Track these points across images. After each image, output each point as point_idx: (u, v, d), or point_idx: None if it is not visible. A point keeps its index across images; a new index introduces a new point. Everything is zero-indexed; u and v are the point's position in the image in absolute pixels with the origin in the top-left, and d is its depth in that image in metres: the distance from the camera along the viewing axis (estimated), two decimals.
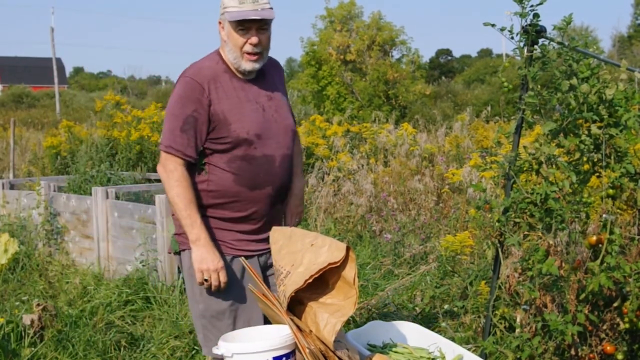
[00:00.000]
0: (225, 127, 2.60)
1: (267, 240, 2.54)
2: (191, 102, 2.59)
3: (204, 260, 2.55)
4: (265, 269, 2.74)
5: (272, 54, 2.77)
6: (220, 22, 2.67)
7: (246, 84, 2.68)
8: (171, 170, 2.60)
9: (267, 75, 2.76)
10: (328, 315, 1.96)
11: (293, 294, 1.98)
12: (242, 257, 2.50)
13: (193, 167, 2.66)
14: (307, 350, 1.88)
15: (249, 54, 2.59)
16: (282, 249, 2.17)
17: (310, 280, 1.97)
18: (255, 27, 2.57)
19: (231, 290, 2.64)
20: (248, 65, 2.61)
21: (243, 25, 2.56)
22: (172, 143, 2.60)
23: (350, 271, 2.01)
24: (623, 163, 2.79)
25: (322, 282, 2.06)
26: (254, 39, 2.57)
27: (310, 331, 1.99)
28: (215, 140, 2.62)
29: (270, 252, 2.37)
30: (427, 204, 7.51)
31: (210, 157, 2.65)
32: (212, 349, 2.59)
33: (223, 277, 2.57)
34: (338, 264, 2.00)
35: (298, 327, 1.98)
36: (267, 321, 2.49)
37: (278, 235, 2.27)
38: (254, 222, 2.69)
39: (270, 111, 2.69)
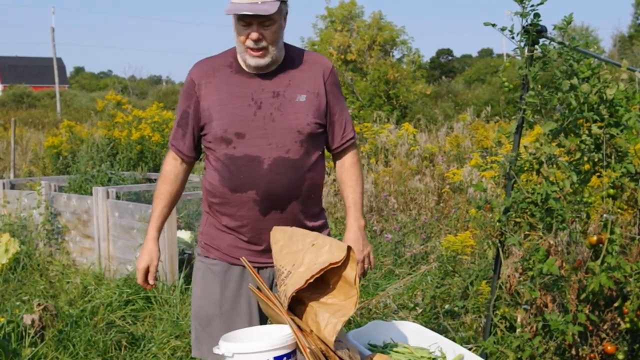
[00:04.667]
0: (209, 123, 2.53)
1: (268, 253, 2.43)
2: (186, 97, 2.60)
3: (139, 257, 2.67)
4: (271, 284, 2.58)
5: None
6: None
7: (250, 79, 2.52)
8: (164, 162, 2.70)
9: (289, 70, 2.55)
10: (329, 315, 1.96)
11: (294, 294, 1.98)
12: (243, 257, 2.39)
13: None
14: (308, 350, 1.88)
15: (251, 49, 2.43)
16: (283, 248, 2.16)
17: (311, 280, 1.97)
18: (256, 21, 2.39)
19: (224, 298, 2.58)
20: (252, 60, 2.45)
21: (243, 20, 2.40)
22: (170, 138, 2.67)
23: (351, 271, 2.01)
24: (624, 163, 2.79)
25: (322, 282, 2.06)
26: (254, 35, 2.40)
27: (311, 331, 1.99)
28: (203, 137, 2.59)
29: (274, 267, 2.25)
30: (427, 204, 7.52)
31: (206, 155, 2.63)
32: (202, 352, 2.60)
33: (140, 278, 2.65)
34: (339, 263, 2.00)
35: (299, 326, 1.98)
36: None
37: (279, 235, 2.26)
38: (246, 230, 2.55)
39: (269, 109, 2.49)
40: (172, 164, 2.66)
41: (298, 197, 2.56)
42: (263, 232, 2.49)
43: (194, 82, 2.56)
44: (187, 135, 2.60)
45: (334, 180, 7.90)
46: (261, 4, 2.35)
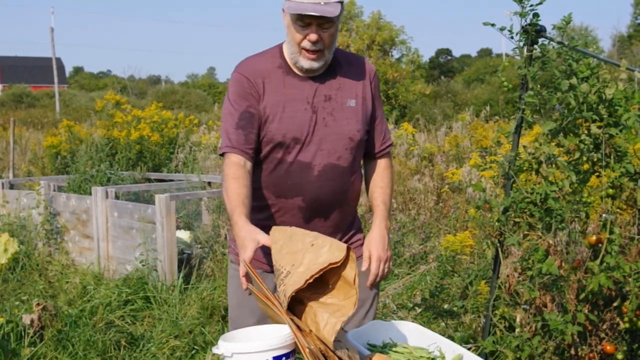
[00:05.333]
0: (265, 125, 2.40)
1: None
2: (243, 97, 2.41)
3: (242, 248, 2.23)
4: None
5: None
6: (283, 10, 2.36)
7: (302, 81, 2.42)
8: (225, 167, 2.38)
9: (339, 74, 2.46)
10: (328, 315, 1.95)
11: (293, 294, 1.98)
12: (244, 259, 2.22)
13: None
14: (307, 350, 1.88)
15: (307, 50, 2.34)
16: (283, 248, 2.15)
17: (311, 280, 1.97)
18: (316, 22, 2.29)
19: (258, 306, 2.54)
20: (305, 62, 2.36)
21: (302, 20, 2.29)
22: (228, 142, 2.40)
23: (350, 271, 2.01)
24: (623, 163, 2.79)
25: (322, 282, 2.06)
26: (313, 36, 2.30)
27: (310, 331, 1.99)
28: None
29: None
30: (427, 204, 7.52)
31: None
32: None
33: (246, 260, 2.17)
34: (339, 264, 2.00)
35: (298, 326, 1.98)
36: None
37: (278, 234, 2.24)
38: None
39: (323, 114, 2.41)
40: (236, 165, 2.36)
41: (342, 205, 2.52)
42: None
43: (250, 81, 2.41)
44: (251, 136, 2.39)
45: None
46: (324, 5, 2.25)
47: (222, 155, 2.43)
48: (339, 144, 2.43)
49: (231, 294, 2.64)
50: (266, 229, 2.43)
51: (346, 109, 2.45)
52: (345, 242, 2.63)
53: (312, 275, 1.96)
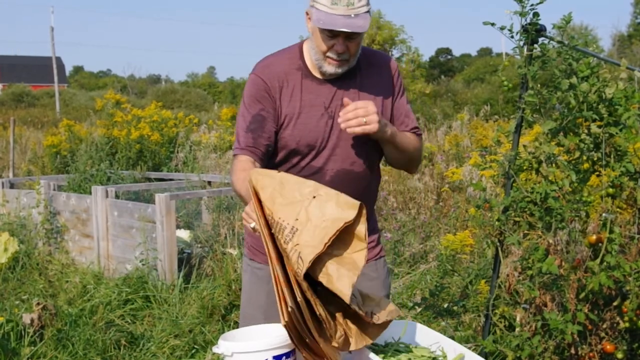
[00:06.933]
0: (280, 131, 2.38)
1: None
2: (257, 100, 2.38)
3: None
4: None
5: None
6: (307, 13, 2.34)
7: (320, 84, 2.39)
8: (233, 164, 2.37)
9: (358, 76, 2.42)
10: (339, 266, 1.87)
11: (314, 258, 1.85)
12: (253, 225, 2.05)
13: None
14: (290, 309, 1.80)
15: (332, 59, 2.31)
16: (275, 197, 1.94)
17: (330, 243, 1.87)
18: (343, 34, 2.25)
19: (269, 304, 2.46)
20: (330, 68, 2.33)
21: (330, 32, 2.25)
22: (237, 144, 2.39)
23: (361, 226, 1.90)
24: (623, 162, 2.79)
25: None
26: (340, 48, 2.27)
27: (320, 283, 1.88)
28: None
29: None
30: (427, 203, 7.52)
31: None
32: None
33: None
34: (352, 222, 1.91)
35: (287, 278, 1.87)
36: None
37: (266, 180, 1.98)
38: None
39: (338, 119, 2.33)
40: (244, 161, 2.32)
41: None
42: None
43: (266, 85, 2.37)
44: (260, 140, 2.36)
45: None
46: (354, 18, 2.20)
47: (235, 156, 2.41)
48: (353, 150, 2.40)
49: (243, 288, 2.63)
50: None
51: None
52: None
53: (330, 238, 1.84)
